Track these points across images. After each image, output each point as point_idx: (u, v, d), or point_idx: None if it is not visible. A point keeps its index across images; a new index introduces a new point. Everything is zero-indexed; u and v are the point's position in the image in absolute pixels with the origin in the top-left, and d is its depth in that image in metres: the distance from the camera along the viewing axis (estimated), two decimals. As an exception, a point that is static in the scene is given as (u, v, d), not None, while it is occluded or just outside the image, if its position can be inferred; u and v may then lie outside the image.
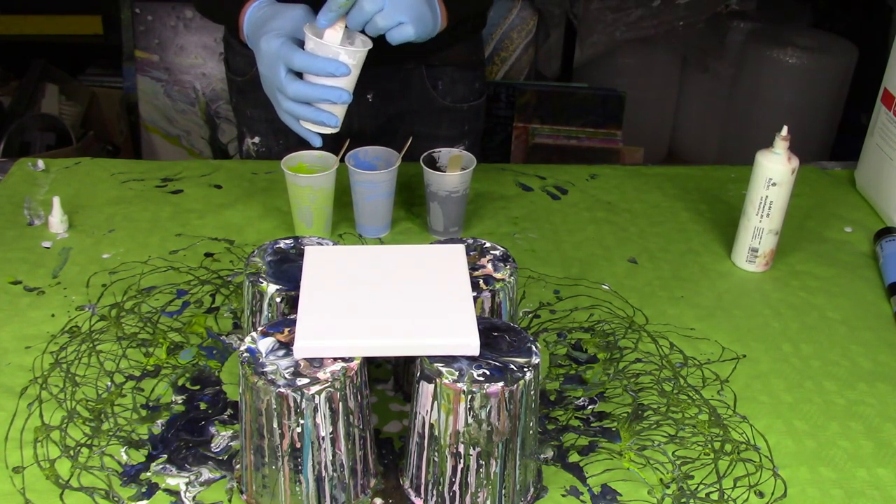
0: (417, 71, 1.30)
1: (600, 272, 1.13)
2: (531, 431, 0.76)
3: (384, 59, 1.26)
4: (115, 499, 0.77)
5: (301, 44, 0.99)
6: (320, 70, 0.96)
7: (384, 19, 0.96)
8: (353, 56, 0.96)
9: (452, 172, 1.12)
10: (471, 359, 0.74)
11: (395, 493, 0.79)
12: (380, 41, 1.23)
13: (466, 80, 1.34)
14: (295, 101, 0.99)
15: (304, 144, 1.14)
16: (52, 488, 0.78)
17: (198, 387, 0.91)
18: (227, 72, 1.37)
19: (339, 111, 1.00)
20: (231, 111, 2.39)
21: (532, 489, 0.79)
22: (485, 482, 0.74)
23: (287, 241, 0.92)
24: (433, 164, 1.15)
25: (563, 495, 0.80)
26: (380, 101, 1.31)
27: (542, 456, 0.83)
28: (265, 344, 0.75)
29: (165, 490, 0.78)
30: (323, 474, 0.74)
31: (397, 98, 1.31)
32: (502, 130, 2.53)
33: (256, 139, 1.37)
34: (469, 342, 0.73)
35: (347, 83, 0.98)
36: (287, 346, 0.74)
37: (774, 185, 1.07)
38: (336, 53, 0.96)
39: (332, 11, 0.95)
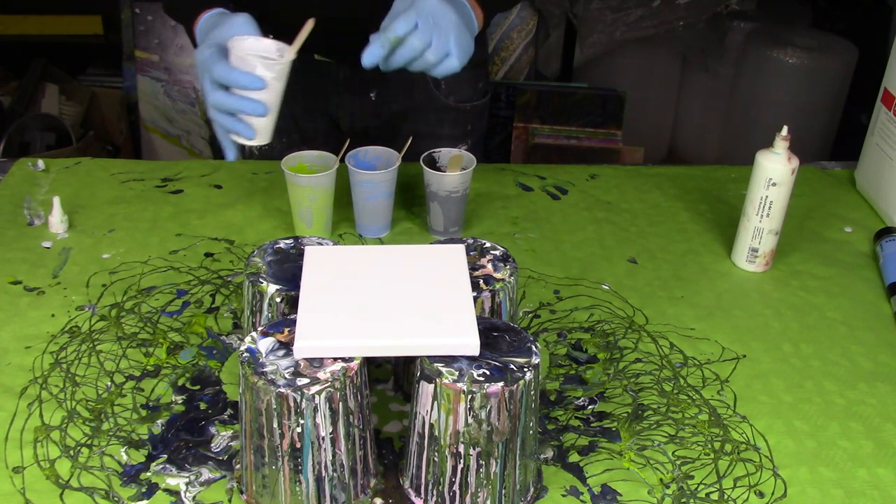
0: None
1: (600, 272, 1.13)
2: (531, 431, 0.76)
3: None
4: (115, 499, 0.77)
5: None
6: (236, 83, 0.96)
7: (434, 54, 0.96)
8: (270, 69, 0.95)
9: (452, 172, 1.12)
10: (471, 359, 0.74)
11: (395, 493, 0.79)
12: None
13: (470, 79, 1.34)
14: (217, 111, 0.99)
15: (307, 144, 1.14)
16: (52, 488, 0.78)
17: (198, 387, 0.91)
18: None
19: (262, 123, 0.98)
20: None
21: (532, 489, 0.79)
22: (485, 482, 0.74)
23: (287, 241, 0.92)
24: (433, 164, 1.15)
25: (563, 495, 0.80)
26: (382, 99, 1.31)
27: (542, 456, 0.83)
28: (265, 344, 0.75)
29: (165, 490, 0.78)
30: (323, 474, 0.74)
31: (400, 97, 1.31)
32: (502, 130, 2.53)
33: None
34: (469, 342, 0.73)
35: (267, 96, 0.96)
36: (287, 346, 0.74)
37: (774, 185, 1.07)
38: (253, 66, 0.95)
39: (381, 48, 0.95)
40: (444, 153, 1.16)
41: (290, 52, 0.98)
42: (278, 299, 0.84)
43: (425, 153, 1.14)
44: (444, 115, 1.34)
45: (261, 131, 0.99)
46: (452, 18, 0.98)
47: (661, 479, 0.82)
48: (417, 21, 0.95)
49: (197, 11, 1.08)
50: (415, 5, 0.96)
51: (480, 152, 1.39)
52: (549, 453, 0.84)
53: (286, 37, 1.27)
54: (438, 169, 1.15)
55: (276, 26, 1.26)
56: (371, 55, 0.95)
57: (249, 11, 1.27)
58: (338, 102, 1.32)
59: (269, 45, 0.98)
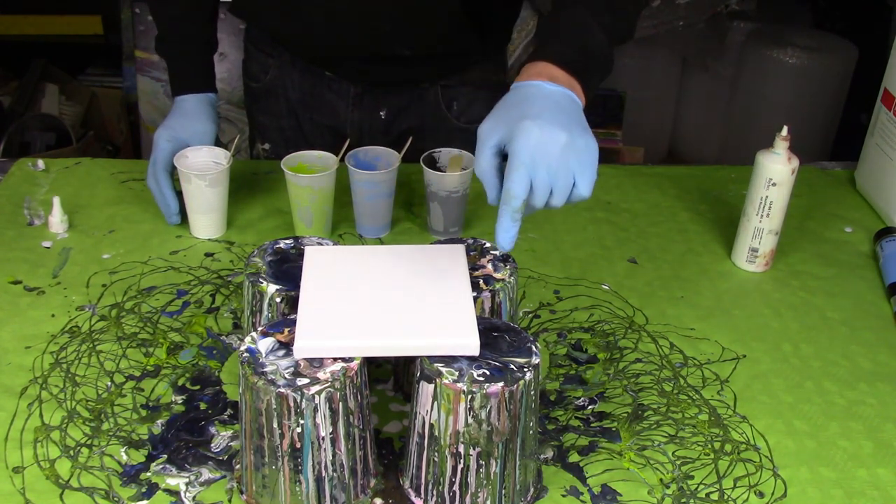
0: (433, 90, 1.29)
1: (600, 272, 1.13)
2: (531, 431, 0.76)
3: (398, 79, 1.26)
4: (115, 499, 0.77)
5: (178, 148, 1.16)
6: (160, 201, 1.16)
7: (559, 198, 0.81)
8: (202, 178, 1.11)
9: (452, 173, 1.12)
10: (471, 359, 0.74)
11: (395, 493, 0.79)
12: (394, 68, 1.24)
13: (484, 100, 1.26)
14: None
15: (313, 150, 1.16)
16: (52, 488, 0.78)
17: (198, 387, 0.91)
18: (244, 76, 1.37)
19: (208, 220, 1.15)
20: (231, 111, 2.40)
21: (532, 489, 0.79)
22: (485, 482, 0.74)
23: (287, 241, 0.92)
24: (433, 164, 1.15)
25: (563, 495, 0.80)
26: (393, 118, 1.30)
27: (542, 456, 0.83)
28: (265, 344, 0.75)
29: (165, 490, 0.78)
30: (323, 474, 0.74)
31: (411, 116, 1.30)
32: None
33: (267, 145, 1.38)
34: (469, 342, 0.73)
35: (201, 200, 1.13)
36: (287, 346, 0.74)
37: (774, 185, 1.07)
38: (188, 179, 1.11)
39: (514, 223, 0.79)
40: (444, 153, 1.16)
41: (226, 161, 1.14)
42: (278, 299, 0.84)
43: (425, 153, 1.14)
44: (455, 135, 1.30)
45: (208, 227, 1.16)
46: (561, 142, 0.80)
47: (661, 479, 0.82)
48: (531, 178, 0.79)
49: (187, 78, 1.21)
50: (513, 148, 0.80)
51: None
52: (549, 453, 0.84)
53: (299, 54, 1.28)
54: (438, 169, 1.15)
55: (290, 46, 1.27)
56: (507, 237, 0.80)
57: (263, 32, 1.28)
58: (347, 119, 1.31)
59: (217, 153, 1.15)
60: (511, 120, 0.81)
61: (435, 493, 0.76)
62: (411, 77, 1.26)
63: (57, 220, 1.15)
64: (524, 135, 0.79)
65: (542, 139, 0.79)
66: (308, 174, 1.11)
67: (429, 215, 1.17)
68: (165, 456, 0.82)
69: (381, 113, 1.29)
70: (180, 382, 0.91)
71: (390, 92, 1.27)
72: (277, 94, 1.32)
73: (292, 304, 0.84)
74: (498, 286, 0.86)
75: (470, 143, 1.31)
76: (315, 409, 0.71)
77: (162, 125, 1.18)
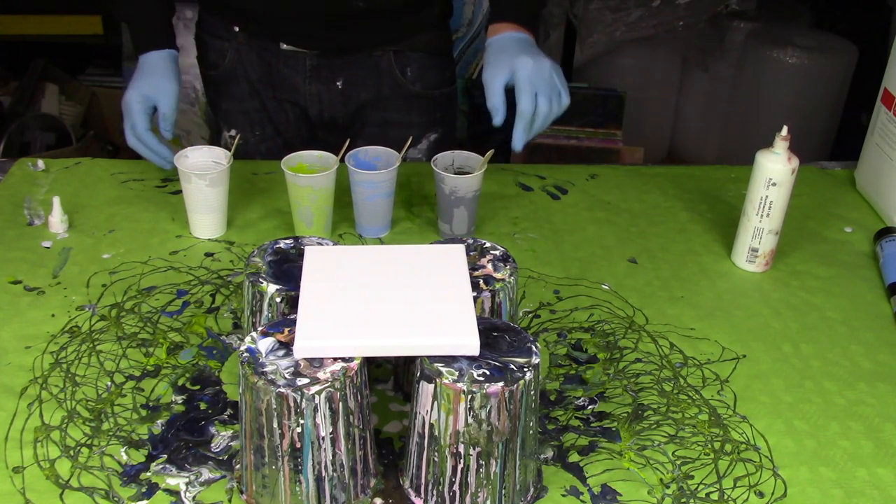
0: (386, 57, 1.31)
1: (600, 272, 1.13)
2: (531, 431, 0.76)
3: (352, 46, 1.28)
4: (115, 499, 0.77)
5: (150, 108, 1.19)
6: (150, 157, 1.21)
7: (559, 107, 1.11)
8: (202, 178, 1.11)
9: (481, 171, 1.12)
10: (471, 359, 0.74)
11: (395, 493, 0.79)
12: (348, 29, 1.26)
13: (436, 66, 1.35)
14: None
15: (281, 136, 1.16)
16: (52, 488, 0.78)
17: (198, 387, 0.91)
18: (200, 67, 1.38)
19: (210, 220, 1.15)
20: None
21: (532, 489, 0.79)
22: (485, 482, 0.74)
23: (287, 241, 0.92)
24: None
25: (563, 495, 0.80)
26: (350, 88, 1.32)
27: (542, 456, 0.83)
28: (265, 344, 0.75)
29: (165, 490, 0.78)
30: (323, 474, 0.74)
31: (367, 85, 1.32)
32: (502, 131, 2.53)
33: (233, 132, 1.38)
34: (469, 342, 0.73)
35: (203, 199, 1.13)
36: (287, 346, 0.74)
37: (774, 185, 1.07)
38: (189, 178, 1.12)
39: (525, 132, 1.10)
40: (443, 156, 1.15)
41: (226, 161, 1.14)
42: (278, 299, 0.84)
43: (432, 159, 1.13)
44: (413, 102, 1.34)
45: (208, 227, 1.15)
46: (548, 65, 1.10)
47: (661, 479, 0.82)
48: (536, 92, 1.09)
49: (149, 36, 1.24)
50: (519, 76, 1.09)
51: (454, 140, 1.40)
52: (549, 453, 0.84)
53: (255, 26, 1.30)
54: (460, 172, 1.14)
55: (247, 15, 1.28)
56: (520, 143, 1.10)
57: (216, 7, 1.30)
58: (306, 92, 1.32)
59: (217, 153, 1.15)
60: (508, 60, 1.10)
61: (435, 493, 0.76)
62: (365, 42, 1.28)
63: (57, 220, 1.15)
64: (523, 67, 1.09)
65: (535, 66, 1.10)
66: (308, 174, 1.11)
67: (450, 223, 1.15)
68: (165, 456, 0.82)
69: (338, 83, 1.31)
70: (180, 382, 0.91)
71: (345, 61, 1.29)
72: (238, 77, 1.34)
73: (292, 304, 0.84)
74: (498, 286, 0.86)
75: (428, 111, 1.37)
76: (315, 409, 0.71)
77: (129, 88, 1.19)
